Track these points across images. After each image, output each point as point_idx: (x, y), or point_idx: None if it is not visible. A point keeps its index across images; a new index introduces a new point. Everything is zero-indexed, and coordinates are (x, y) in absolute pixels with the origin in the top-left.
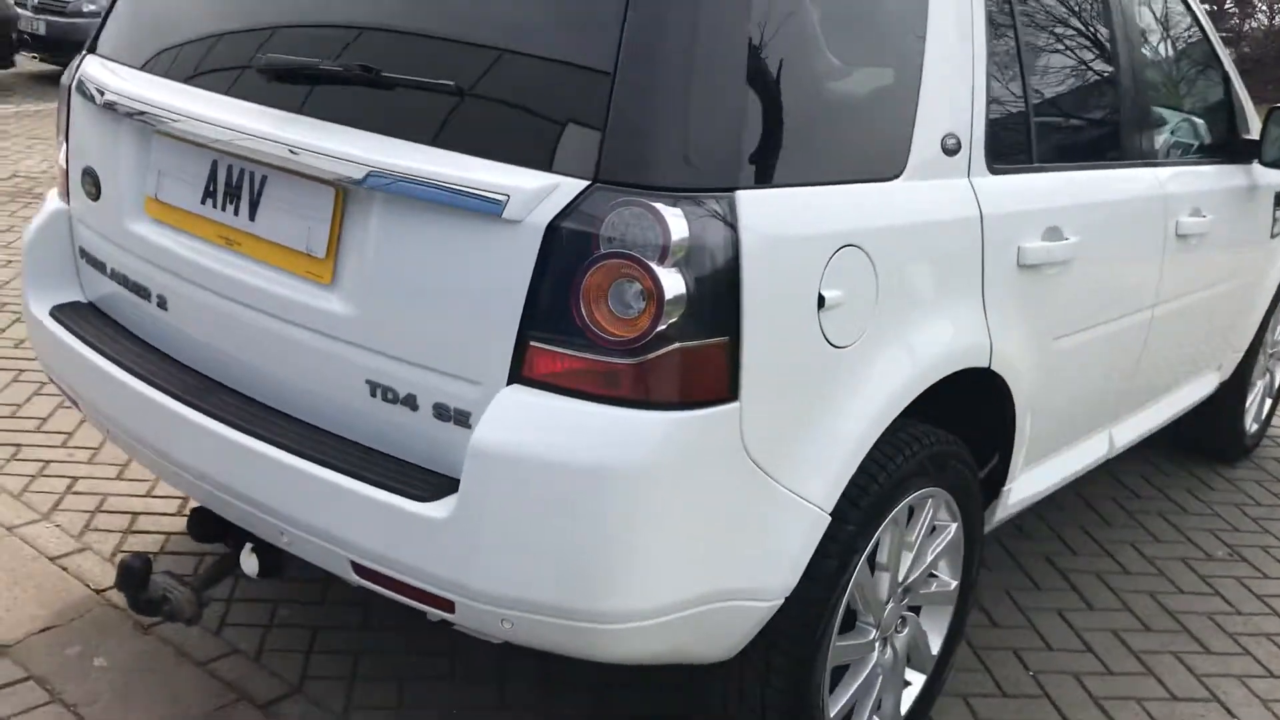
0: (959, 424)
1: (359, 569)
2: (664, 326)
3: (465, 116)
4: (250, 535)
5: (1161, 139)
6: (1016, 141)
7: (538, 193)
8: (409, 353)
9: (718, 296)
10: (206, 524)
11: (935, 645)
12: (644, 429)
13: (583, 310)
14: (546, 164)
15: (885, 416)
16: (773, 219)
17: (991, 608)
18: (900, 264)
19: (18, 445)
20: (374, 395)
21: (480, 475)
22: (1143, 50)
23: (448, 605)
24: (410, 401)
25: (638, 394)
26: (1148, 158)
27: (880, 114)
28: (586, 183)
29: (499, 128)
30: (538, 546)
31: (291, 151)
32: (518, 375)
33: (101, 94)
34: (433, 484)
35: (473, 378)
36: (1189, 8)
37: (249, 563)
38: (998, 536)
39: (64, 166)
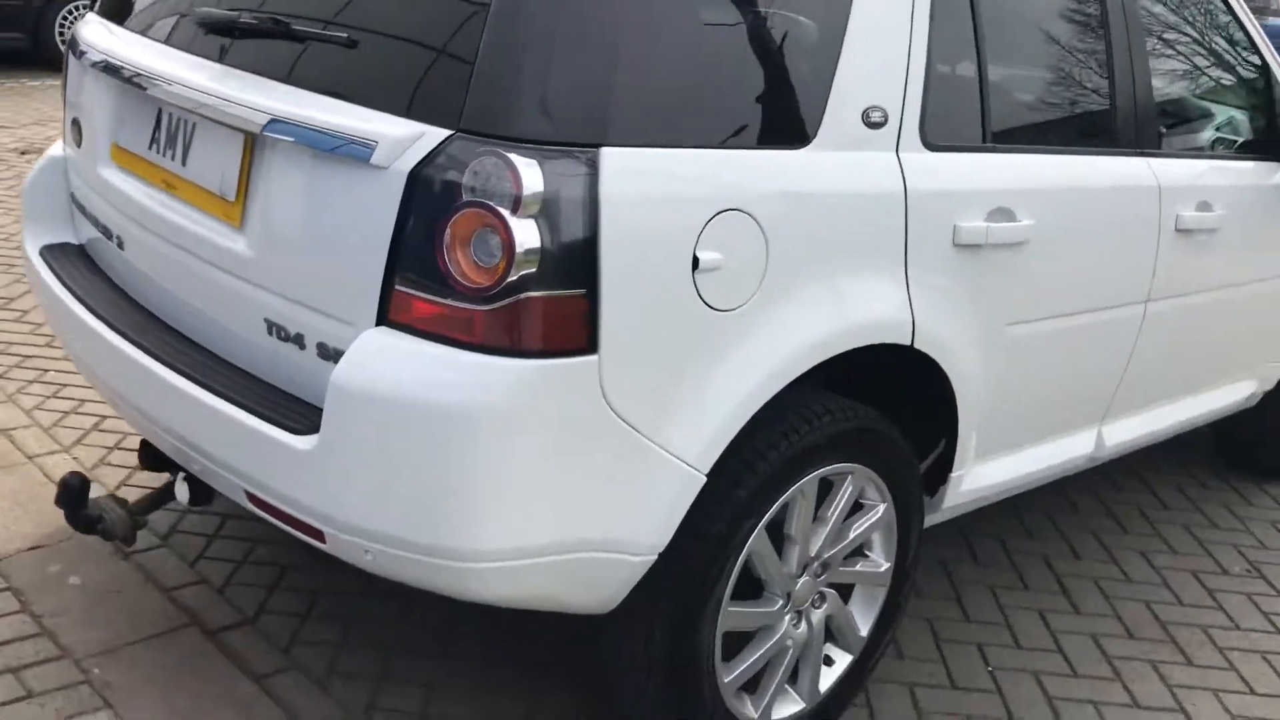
0: (897, 402)
1: (251, 497)
2: (516, 277)
3: (354, 66)
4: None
5: (1167, 129)
6: (965, 119)
7: (403, 140)
8: (298, 293)
9: (573, 250)
10: (151, 455)
11: (864, 627)
12: (493, 374)
13: (445, 257)
14: (415, 113)
15: (774, 383)
16: (641, 178)
17: (970, 603)
18: (798, 233)
19: (61, 385)
20: (270, 333)
21: (337, 410)
22: (1147, 32)
23: (319, 535)
24: (299, 340)
25: (492, 341)
26: (1145, 146)
27: (786, 81)
28: (449, 132)
29: (381, 77)
30: (391, 482)
31: (207, 100)
32: (384, 318)
33: (83, 50)
34: (311, 419)
35: (347, 319)
36: None
37: (181, 491)
38: (999, 535)
39: (64, 118)
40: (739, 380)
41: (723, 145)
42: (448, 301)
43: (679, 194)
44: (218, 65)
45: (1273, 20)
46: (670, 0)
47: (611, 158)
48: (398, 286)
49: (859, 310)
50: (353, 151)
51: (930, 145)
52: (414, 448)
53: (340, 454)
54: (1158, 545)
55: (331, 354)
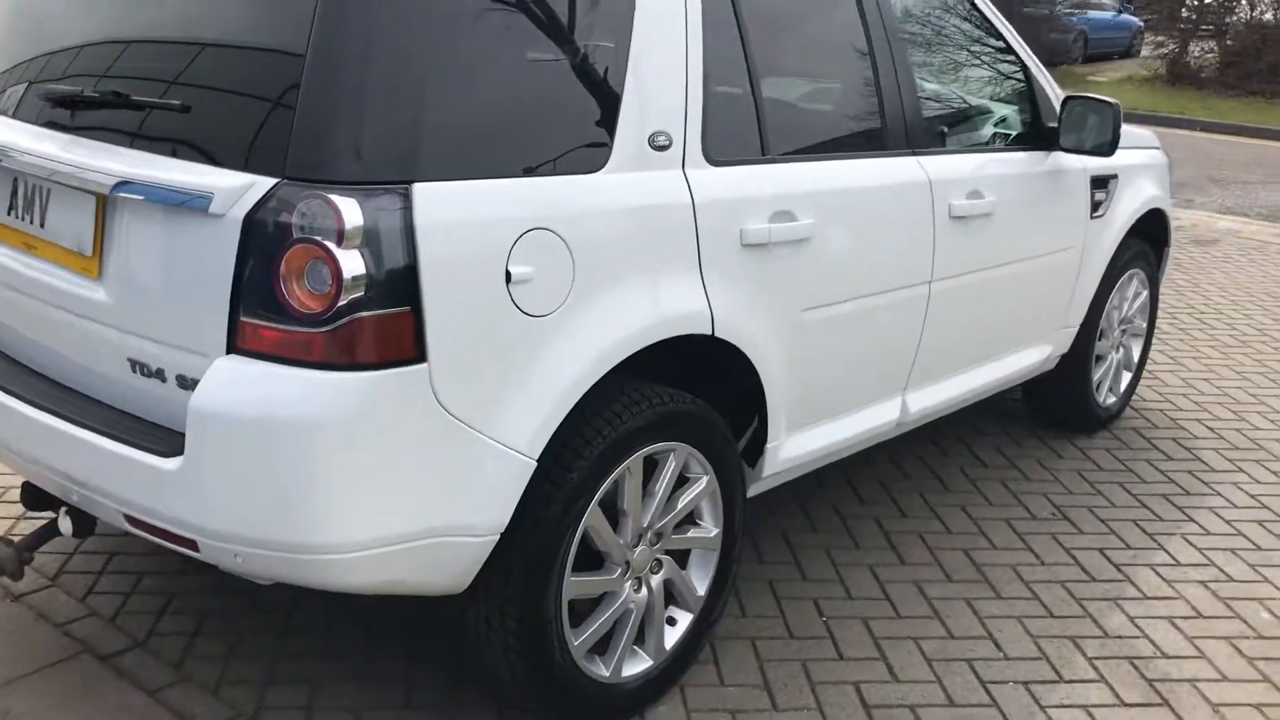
0: (713, 388)
1: (129, 519)
2: (346, 301)
3: (189, 128)
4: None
5: (936, 130)
6: (743, 136)
7: (236, 190)
8: (156, 333)
9: (395, 274)
10: (34, 495)
11: (701, 588)
12: (333, 387)
13: (281, 288)
14: (246, 165)
15: (592, 374)
16: (451, 207)
17: (807, 563)
18: (599, 246)
19: None
20: (134, 371)
21: (197, 432)
22: (906, 45)
23: (192, 545)
24: (160, 375)
25: (330, 358)
26: (915, 146)
27: (578, 114)
28: (277, 180)
29: (213, 137)
30: (251, 490)
31: (59, 167)
32: (233, 347)
33: None
34: (175, 443)
35: (201, 351)
36: (973, 3)
37: (64, 524)
38: (833, 503)
39: None
40: (559, 375)
41: (525, 174)
42: (288, 327)
43: (488, 218)
44: (67, 135)
45: (1095, 14)
46: (469, 50)
47: (423, 191)
48: (242, 318)
49: (661, 308)
50: (193, 203)
51: (713, 161)
52: (268, 458)
53: (203, 470)
54: (977, 500)
55: (190, 384)
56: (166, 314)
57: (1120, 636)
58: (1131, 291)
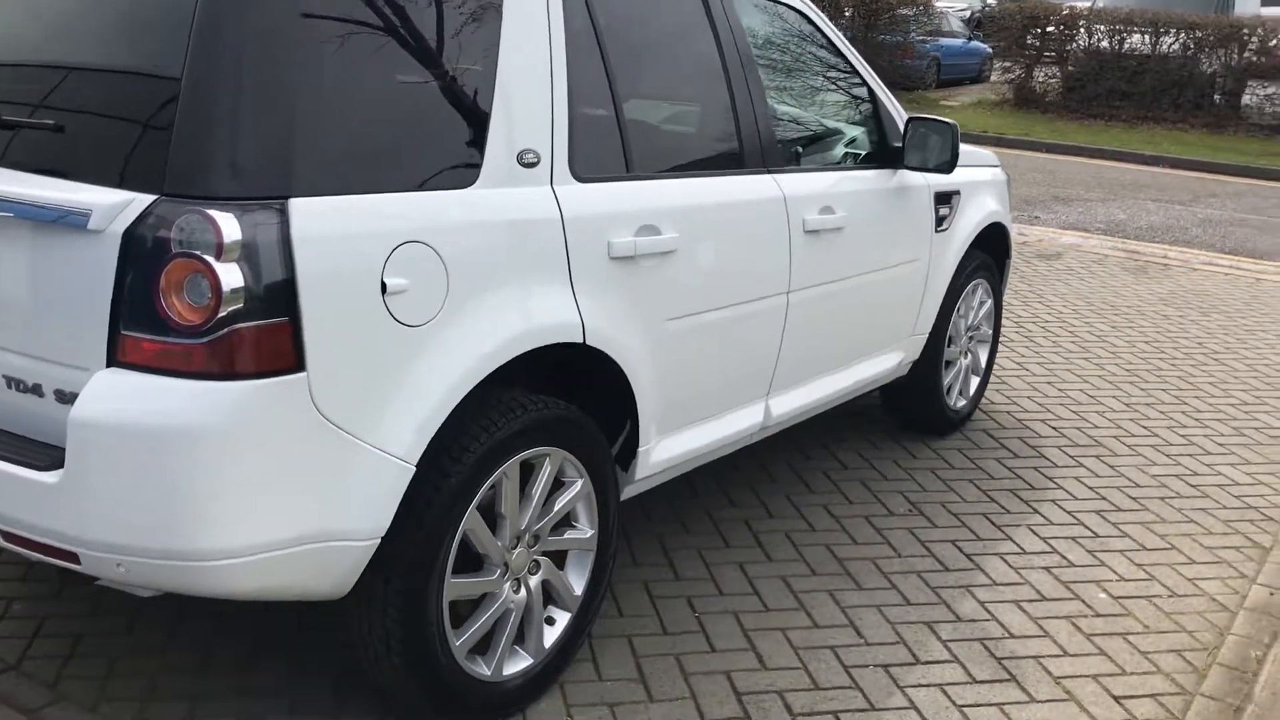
0: (585, 396)
1: (6, 535)
2: (226, 312)
3: (64, 146)
4: None
5: (790, 150)
6: (608, 155)
7: (115, 206)
8: (32, 348)
9: (272, 286)
10: None
11: (579, 587)
12: (212, 396)
13: (161, 301)
14: (124, 182)
15: (467, 381)
16: (327, 222)
17: (680, 564)
18: (471, 258)
19: None
20: (10, 387)
21: (78, 444)
22: (759, 69)
23: (73, 557)
24: (37, 390)
25: (209, 368)
26: (770, 165)
27: (449, 131)
28: (155, 196)
29: (86, 155)
30: (132, 500)
31: None
32: (114, 360)
33: None
34: (54, 456)
35: (81, 365)
36: (820, 30)
37: None
38: (705, 507)
39: None
40: (434, 383)
41: (399, 189)
42: (168, 339)
43: (363, 232)
44: None
45: (946, 41)
46: (341, 71)
47: (300, 206)
48: (122, 331)
49: (533, 318)
50: (71, 220)
51: (580, 178)
52: (148, 467)
53: (84, 481)
54: (838, 499)
55: (70, 398)
56: (42, 330)
57: (972, 620)
58: (977, 300)
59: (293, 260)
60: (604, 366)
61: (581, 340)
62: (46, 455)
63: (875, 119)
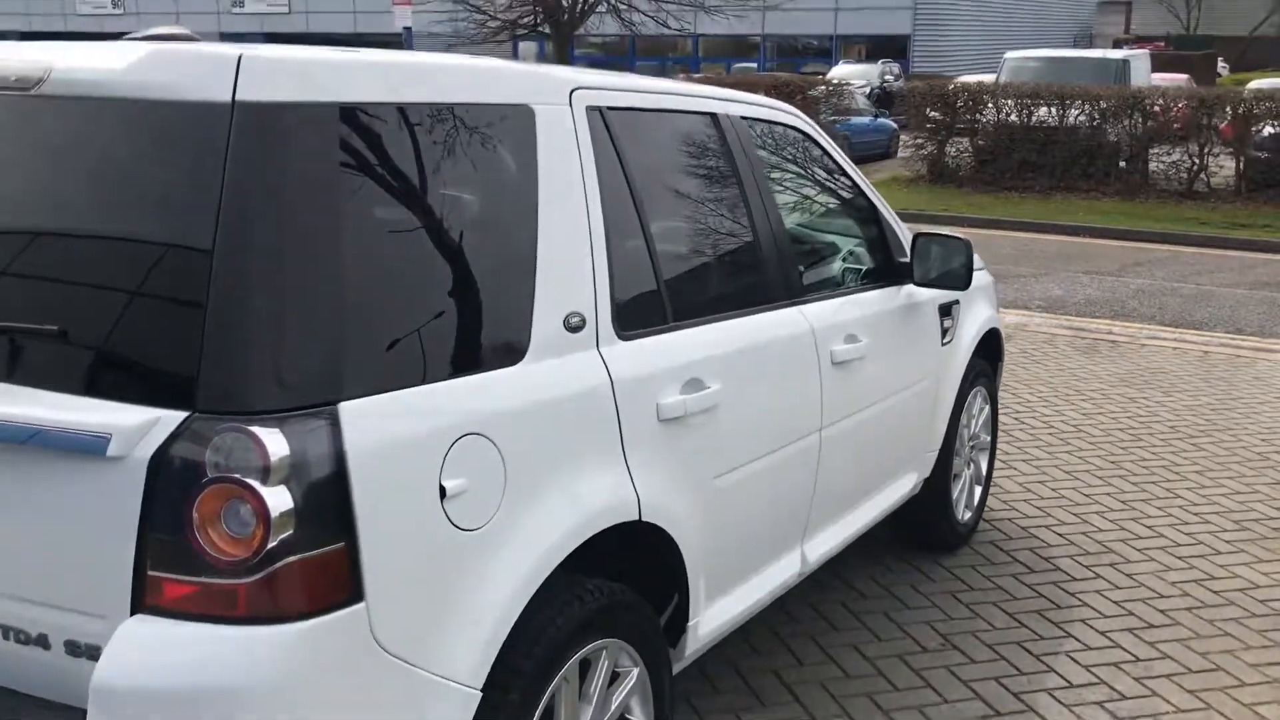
0: (631, 567)
1: None
2: (275, 543)
3: (70, 357)
4: None
5: (808, 276)
6: (648, 305)
7: (140, 428)
8: (33, 593)
9: (327, 507)
10: None
11: None
12: (264, 646)
13: (196, 535)
14: (148, 399)
15: (529, 587)
16: (380, 424)
17: None
18: (529, 443)
19: None
20: (7, 638)
21: (106, 712)
22: (776, 196)
23: None
24: (43, 641)
25: (259, 611)
26: (795, 296)
27: (494, 308)
28: (186, 414)
29: (102, 367)
30: None
31: None
32: (141, 605)
33: None
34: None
35: (98, 612)
36: (824, 149)
37: None
38: (730, 659)
39: None
40: (497, 592)
41: (450, 375)
42: (207, 579)
43: (419, 430)
44: None
45: (855, 120)
46: (380, 257)
47: (351, 410)
48: (151, 571)
49: (591, 502)
50: (86, 445)
51: (624, 335)
52: None
53: None
54: (866, 637)
55: (83, 650)
56: (50, 571)
57: None
58: (977, 408)
59: (346, 474)
60: (650, 536)
61: (638, 518)
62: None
63: (880, 234)
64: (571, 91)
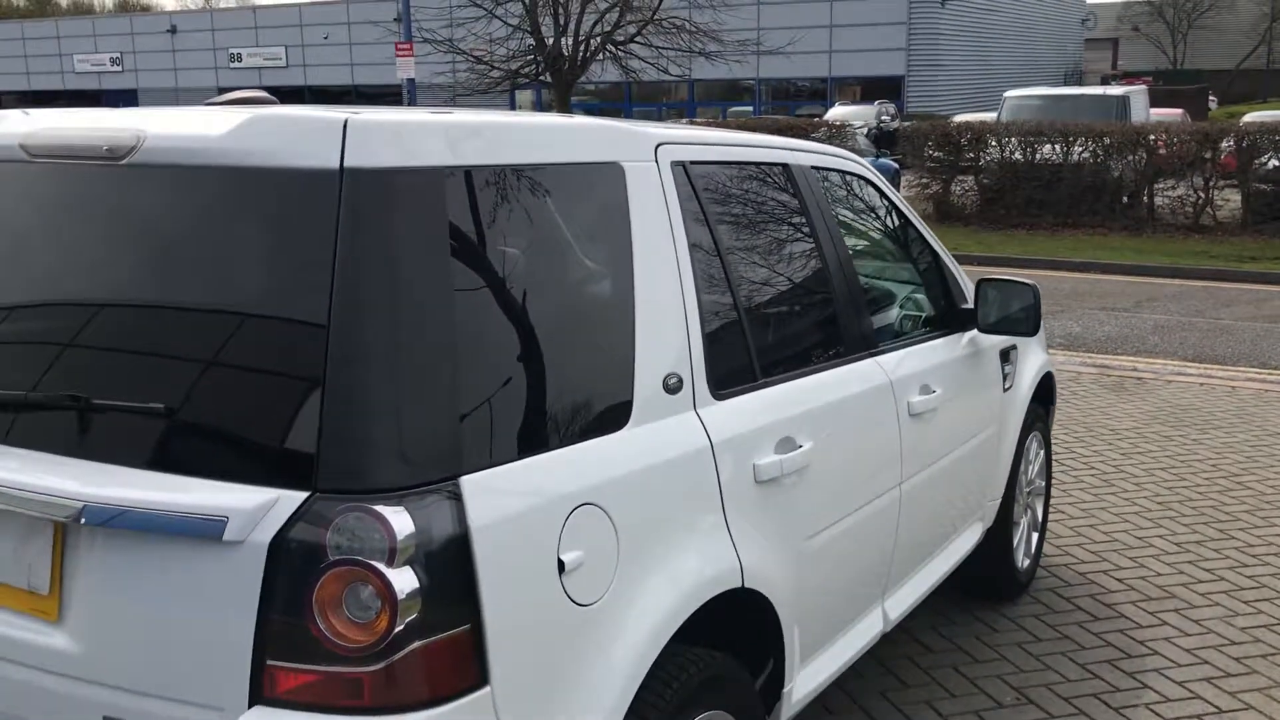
0: (726, 635)
1: None
2: (401, 627)
3: (179, 437)
4: None
5: (882, 326)
6: (739, 364)
7: (258, 509)
8: (145, 684)
9: (453, 587)
10: None
11: None
12: None
13: (318, 621)
14: (265, 479)
15: (645, 661)
16: (501, 497)
17: None
18: (638, 511)
19: None
20: None
21: None
22: (848, 246)
23: None
24: None
25: (385, 701)
26: (871, 348)
27: (600, 372)
28: (306, 494)
29: (214, 446)
30: None
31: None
32: (259, 696)
33: None
34: None
35: (214, 704)
36: (885, 196)
37: None
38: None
39: None
40: (614, 671)
41: (562, 444)
42: (330, 668)
43: (538, 502)
44: (6, 447)
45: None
46: (491, 323)
47: (472, 484)
48: (270, 661)
49: (700, 569)
50: (201, 529)
51: (718, 395)
52: None
53: None
54: (939, 693)
55: None
56: (157, 661)
57: None
58: (1034, 453)
59: (471, 552)
60: (749, 602)
61: (741, 584)
62: None
63: (942, 279)
64: (657, 146)
